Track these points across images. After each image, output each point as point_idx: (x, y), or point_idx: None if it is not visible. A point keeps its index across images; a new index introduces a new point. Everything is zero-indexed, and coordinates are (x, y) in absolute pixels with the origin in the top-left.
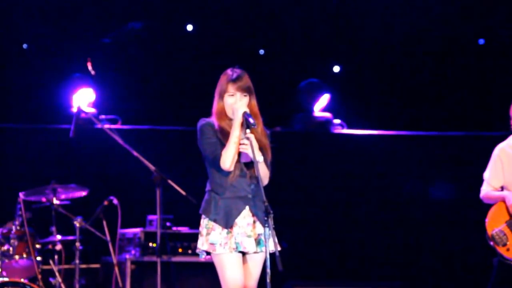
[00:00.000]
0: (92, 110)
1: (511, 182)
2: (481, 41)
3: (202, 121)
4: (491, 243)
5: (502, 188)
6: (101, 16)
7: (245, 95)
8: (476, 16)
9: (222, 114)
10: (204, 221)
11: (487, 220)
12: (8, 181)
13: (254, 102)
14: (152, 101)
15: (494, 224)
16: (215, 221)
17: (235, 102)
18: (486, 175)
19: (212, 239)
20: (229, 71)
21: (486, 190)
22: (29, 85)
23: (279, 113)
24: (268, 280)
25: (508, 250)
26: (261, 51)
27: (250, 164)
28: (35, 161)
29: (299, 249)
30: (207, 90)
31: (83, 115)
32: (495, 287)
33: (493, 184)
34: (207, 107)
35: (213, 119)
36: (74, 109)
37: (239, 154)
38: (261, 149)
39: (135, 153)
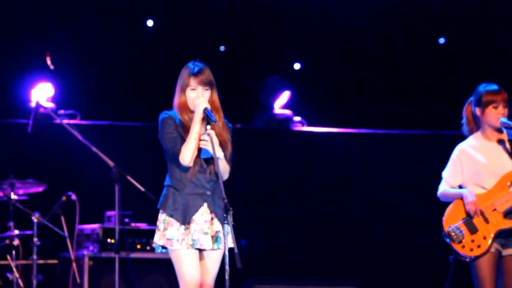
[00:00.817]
0: (51, 105)
1: (469, 181)
2: (442, 40)
3: (163, 114)
4: (447, 240)
5: (459, 187)
6: (61, 10)
7: (206, 89)
8: (437, 14)
9: (184, 108)
10: (162, 216)
11: (444, 217)
12: None
13: (216, 96)
14: (111, 97)
15: (451, 221)
16: (172, 216)
17: (196, 96)
18: (445, 174)
19: (169, 235)
20: (190, 65)
21: (444, 188)
22: None
23: (239, 110)
24: (226, 277)
25: (463, 247)
26: (222, 48)
27: (210, 160)
28: None
29: (258, 246)
30: (167, 86)
31: (41, 110)
32: (452, 285)
33: (451, 182)
34: (166, 103)
35: (175, 112)
36: (33, 104)
37: (199, 150)
38: (222, 143)
39: (94, 149)
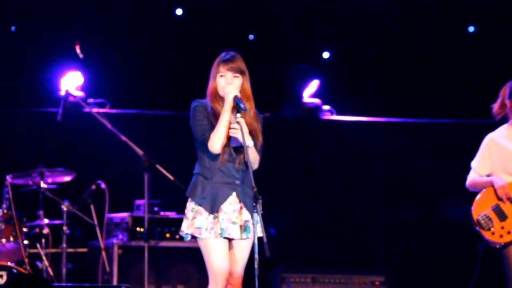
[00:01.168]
0: (80, 93)
1: (499, 169)
2: (472, 29)
3: (195, 103)
4: (477, 228)
5: (488, 176)
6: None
7: (236, 76)
8: (466, 2)
9: (215, 95)
10: (191, 204)
11: (472, 207)
12: None
13: (247, 85)
14: (140, 85)
15: (480, 209)
16: (200, 205)
17: (226, 83)
18: (474, 163)
19: (198, 223)
20: (222, 53)
21: (473, 177)
22: (17, 68)
23: (268, 99)
24: (256, 266)
25: (493, 234)
26: (251, 36)
27: (240, 149)
28: (22, 145)
29: (288, 235)
30: (196, 75)
31: (71, 98)
32: (481, 273)
33: (479, 171)
34: (195, 92)
35: (207, 101)
36: (62, 93)
37: (229, 138)
38: (252, 133)
39: (123, 138)
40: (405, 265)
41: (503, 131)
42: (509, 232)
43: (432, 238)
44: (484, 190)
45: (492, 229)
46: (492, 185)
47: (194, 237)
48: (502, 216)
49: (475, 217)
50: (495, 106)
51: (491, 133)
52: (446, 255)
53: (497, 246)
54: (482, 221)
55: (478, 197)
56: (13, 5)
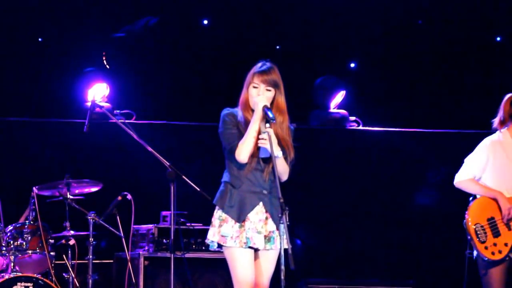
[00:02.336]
0: (107, 104)
1: (497, 180)
2: (498, 39)
3: (225, 110)
4: (469, 236)
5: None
6: (116, 10)
7: (268, 89)
8: (491, 13)
9: (246, 105)
10: (218, 213)
11: (468, 212)
12: (22, 176)
13: (281, 98)
14: (167, 96)
15: (477, 219)
16: (228, 213)
17: (257, 94)
18: (470, 161)
19: (224, 232)
20: (259, 63)
21: (468, 177)
22: (44, 79)
23: (295, 109)
24: (282, 277)
25: (486, 248)
26: (278, 47)
27: (269, 160)
28: (49, 156)
29: (314, 247)
30: (222, 85)
31: (97, 109)
32: (469, 281)
33: (474, 172)
34: (222, 102)
35: (238, 109)
36: (89, 104)
37: (258, 148)
38: (283, 145)
39: (149, 148)
40: (432, 277)
41: (500, 137)
42: (500, 252)
43: (458, 248)
44: (480, 197)
45: (485, 243)
46: (496, 200)
47: (220, 246)
48: (495, 232)
49: (470, 225)
50: (501, 117)
51: (490, 137)
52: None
53: (487, 261)
54: (478, 233)
55: (474, 204)
56: (40, 17)
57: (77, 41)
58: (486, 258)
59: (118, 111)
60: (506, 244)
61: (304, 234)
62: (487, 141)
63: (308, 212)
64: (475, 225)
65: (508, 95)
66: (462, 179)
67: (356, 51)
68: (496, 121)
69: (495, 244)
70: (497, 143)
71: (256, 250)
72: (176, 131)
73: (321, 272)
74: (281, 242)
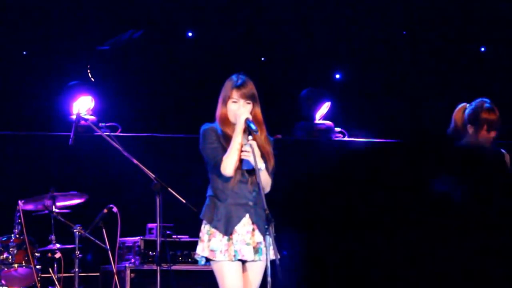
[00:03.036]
0: (92, 117)
1: None
2: (483, 49)
3: (205, 126)
4: None
5: None
6: (101, 23)
7: (248, 103)
8: (478, 21)
9: (226, 120)
10: (205, 227)
11: None
12: (7, 189)
13: (258, 110)
14: (152, 109)
15: None
16: (215, 227)
17: (238, 109)
18: None
19: (213, 246)
20: (234, 77)
21: None
22: (29, 92)
23: (280, 120)
24: None
25: None
26: (262, 58)
27: (252, 171)
28: (34, 169)
29: (299, 257)
30: (207, 97)
31: (82, 122)
32: None
33: None
34: (207, 115)
35: (217, 124)
36: (74, 117)
37: (241, 161)
38: (264, 156)
39: (135, 161)
40: None
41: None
42: None
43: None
44: None
45: None
46: None
47: (208, 261)
48: None
49: None
50: (455, 129)
51: None
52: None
53: None
54: None
55: None
56: (24, 30)
57: (62, 54)
58: None
59: (103, 124)
60: None
61: (290, 246)
62: None
63: (294, 223)
64: None
65: (460, 105)
66: None
67: (341, 62)
68: (449, 130)
69: None
70: None
71: (243, 262)
72: (161, 143)
73: (309, 283)
74: (268, 253)
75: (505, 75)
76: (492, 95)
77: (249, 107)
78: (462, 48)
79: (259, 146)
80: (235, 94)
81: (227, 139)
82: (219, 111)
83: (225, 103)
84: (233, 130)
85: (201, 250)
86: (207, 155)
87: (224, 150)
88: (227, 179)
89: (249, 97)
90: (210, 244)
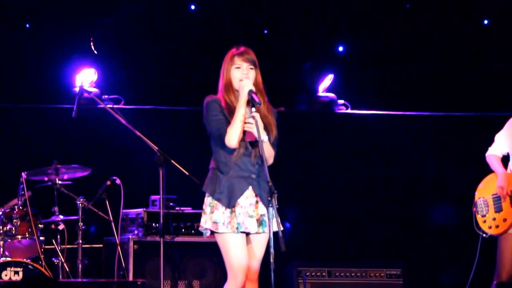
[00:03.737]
0: (95, 90)
1: None
2: (486, 22)
3: (208, 98)
4: (473, 209)
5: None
6: None
7: (251, 68)
8: None
9: (229, 88)
10: (208, 199)
11: (478, 186)
12: (11, 161)
13: (260, 78)
14: (155, 81)
15: (484, 192)
16: (218, 200)
17: (241, 74)
18: (497, 137)
19: (215, 218)
20: (234, 48)
21: (493, 153)
22: (32, 65)
23: (283, 93)
24: (271, 260)
25: (484, 222)
26: (265, 31)
27: (255, 143)
28: (37, 141)
29: (303, 229)
30: (210, 70)
31: (85, 95)
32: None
33: (500, 147)
34: (209, 87)
35: (220, 96)
36: (77, 89)
37: (244, 132)
38: (267, 127)
39: (138, 133)
40: (421, 260)
41: None
42: (497, 226)
43: (445, 230)
44: (493, 174)
45: (485, 217)
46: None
47: (212, 233)
48: (498, 207)
49: (476, 198)
50: None
51: None
52: (465, 248)
53: (484, 235)
54: (479, 206)
55: (486, 178)
56: (27, 3)
57: (65, 27)
58: (483, 231)
59: (107, 96)
60: (504, 220)
61: (293, 218)
62: None
63: (297, 195)
64: (479, 198)
65: None
66: (489, 153)
67: (344, 34)
68: None
69: (494, 219)
70: None
71: (247, 235)
72: (165, 115)
73: (311, 255)
74: (271, 225)
75: (508, 47)
76: (495, 67)
77: (252, 73)
78: (465, 20)
79: (261, 116)
80: (237, 60)
81: (231, 110)
82: (222, 79)
83: (228, 71)
84: (236, 97)
85: (204, 222)
86: (210, 127)
87: (228, 122)
88: (230, 152)
89: (251, 62)
90: (212, 216)
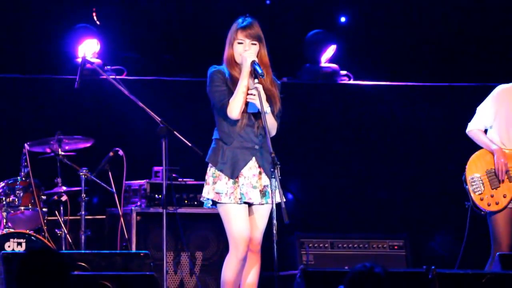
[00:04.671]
0: (97, 60)
1: (501, 131)
2: None
3: (212, 68)
4: (467, 187)
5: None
6: None
7: (253, 43)
8: None
9: (232, 62)
10: (211, 170)
11: (468, 162)
12: (13, 132)
13: (264, 51)
14: (158, 52)
15: (475, 169)
16: (221, 170)
17: (243, 49)
18: (480, 110)
19: (218, 188)
20: (240, 19)
21: (476, 127)
22: (34, 35)
23: (285, 63)
24: (274, 231)
25: (482, 199)
26: (267, 1)
27: (258, 115)
28: (40, 112)
29: (305, 201)
30: (214, 40)
31: (88, 65)
32: (471, 232)
33: (484, 121)
34: (213, 57)
35: (224, 67)
36: (79, 60)
37: (247, 104)
38: (270, 99)
39: (141, 104)
40: (424, 231)
41: None
42: (497, 203)
43: (449, 201)
44: (482, 149)
45: (481, 194)
46: (491, 153)
47: (214, 204)
48: (494, 183)
49: (468, 175)
50: None
51: (503, 85)
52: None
53: (482, 213)
54: (474, 184)
55: (475, 155)
56: None
57: None
58: (482, 209)
59: (109, 67)
60: (504, 196)
61: (296, 189)
62: (498, 89)
63: (299, 166)
64: (472, 175)
65: None
66: (471, 128)
67: (347, 4)
68: None
69: (492, 196)
70: (506, 91)
71: (249, 205)
72: (168, 86)
73: (313, 226)
74: (273, 196)
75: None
76: (496, 38)
77: (254, 48)
78: None
79: (265, 89)
80: (240, 35)
81: (234, 82)
82: (226, 53)
83: (231, 44)
84: (239, 72)
85: (207, 193)
86: (213, 98)
87: (231, 93)
88: (233, 123)
89: (254, 37)
90: (215, 186)
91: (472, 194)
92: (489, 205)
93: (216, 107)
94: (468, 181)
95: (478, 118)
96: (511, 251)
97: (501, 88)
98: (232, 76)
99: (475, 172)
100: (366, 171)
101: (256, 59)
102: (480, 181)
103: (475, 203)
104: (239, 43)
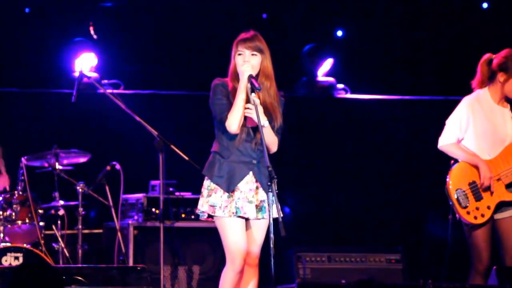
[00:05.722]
0: (94, 74)
1: (478, 141)
2: (485, 5)
3: (216, 81)
4: (451, 202)
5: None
6: None
7: (254, 54)
8: None
9: (234, 75)
10: (206, 182)
11: (449, 177)
12: (10, 146)
13: (267, 63)
14: (154, 66)
15: (458, 184)
16: (217, 183)
17: (243, 61)
18: (452, 124)
19: (213, 201)
20: (242, 33)
21: (452, 141)
22: (32, 50)
23: (282, 78)
24: (271, 246)
25: (468, 213)
26: (264, 15)
27: (257, 129)
28: (37, 126)
29: (303, 214)
30: (210, 55)
31: (85, 79)
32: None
33: (458, 135)
34: (210, 72)
35: (228, 80)
36: (76, 74)
37: (245, 118)
38: (271, 113)
39: (138, 118)
40: (420, 244)
41: (481, 97)
42: (482, 215)
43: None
44: (462, 162)
45: (467, 208)
46: (477, 167)
47: (210, 216)
48: (478, 196)
49: (452, 191)
50: (479, 80)
51: (470, 97)
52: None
53: (469, 226)
54: (460, 198)
55: (455, 168)
56: None
57: (64, 11)
58: (469, 223)
59: (106, 81)
60: (488, 207)
61: (293, 202)
62: (465, 100)
63: (296, 180)
64: (456, 190)
65: (485, 56)
66: (445, 143)
67: (343, 18)
68: (474, 82)
69: (477, 208)
70: (475, 101)
71: (247, 220)
72: (164, 100)
73: (310, 240)
74: (270, 210)
75: (508, 31)
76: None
77: (255, 59)
78: (464, 4)
79: (266, 102)
80: (240, 46)
81: (235, 95)
82: (230, 66)
83: (233, 57)
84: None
85: (201, 205)
86: (214, 111)
87: (231, 106)
88: (232, 137)
89: (254, 49)
90: (209, 199)
91: (458, 208)
92: (475, 218)
93: (216, 119)
94: (452, 196)
95: (450, 131)
96: (490, 263)
97: (469, 99)
98: (234, 89)
99: (458, 187)
100: (363, 185)
101: (253, 73)
102: (465, 195)
103: (461, 217)
104: (239, 54)
